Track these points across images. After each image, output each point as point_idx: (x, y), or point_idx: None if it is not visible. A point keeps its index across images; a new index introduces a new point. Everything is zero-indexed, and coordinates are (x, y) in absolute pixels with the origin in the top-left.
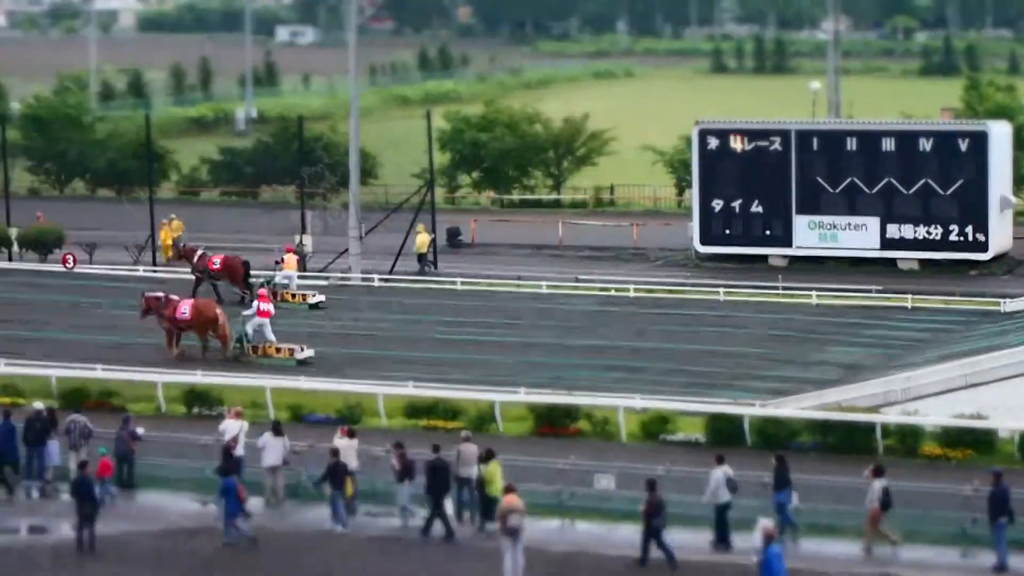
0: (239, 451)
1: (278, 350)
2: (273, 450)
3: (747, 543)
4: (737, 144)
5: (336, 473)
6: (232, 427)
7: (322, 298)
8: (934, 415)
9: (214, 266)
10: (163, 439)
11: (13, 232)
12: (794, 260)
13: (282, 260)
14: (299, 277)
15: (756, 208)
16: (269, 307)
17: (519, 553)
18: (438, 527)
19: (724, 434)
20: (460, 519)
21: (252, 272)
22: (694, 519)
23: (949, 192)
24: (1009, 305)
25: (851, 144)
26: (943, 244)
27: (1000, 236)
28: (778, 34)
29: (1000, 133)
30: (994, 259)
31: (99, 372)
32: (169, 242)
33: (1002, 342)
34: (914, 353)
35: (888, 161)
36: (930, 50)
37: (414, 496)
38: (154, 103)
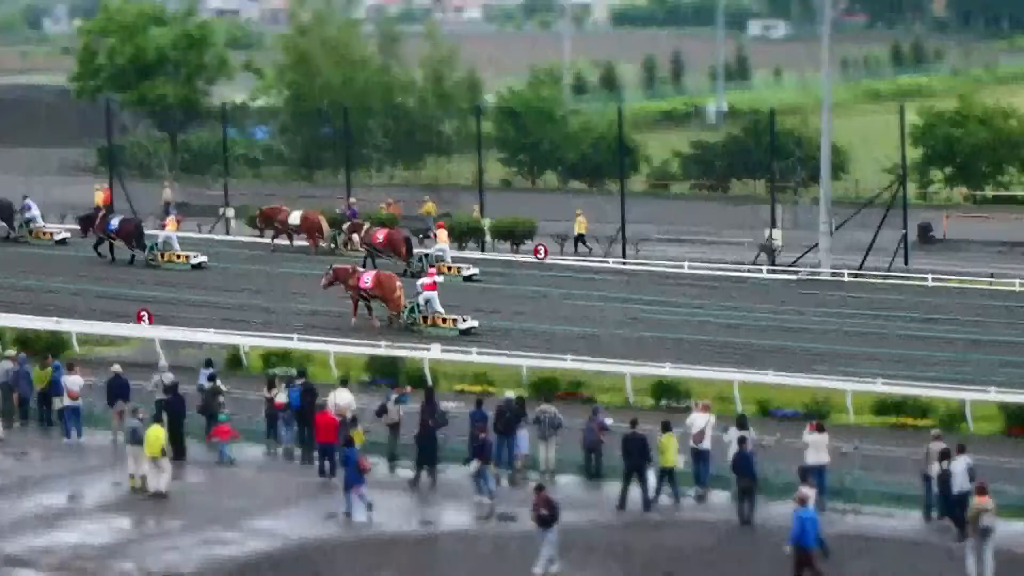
0: (705, 445)
1: (444, 320)
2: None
3: None
4: None
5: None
6: (699, 420)
7: (476, 270)
8: None
9: (378, 240)
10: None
11: (486, 223)
12: None
13: (434, 234)
14: (768, 271)
15: None
16: (433, 281)
17: (988, 555)
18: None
19: None
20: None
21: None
22: None
23: None
24: None
25: None
26: None
27: None
28: None
29: None
30: None
31: (569, 363)
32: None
33: None
34: None
35: None
36: None
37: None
38: (626, 96)
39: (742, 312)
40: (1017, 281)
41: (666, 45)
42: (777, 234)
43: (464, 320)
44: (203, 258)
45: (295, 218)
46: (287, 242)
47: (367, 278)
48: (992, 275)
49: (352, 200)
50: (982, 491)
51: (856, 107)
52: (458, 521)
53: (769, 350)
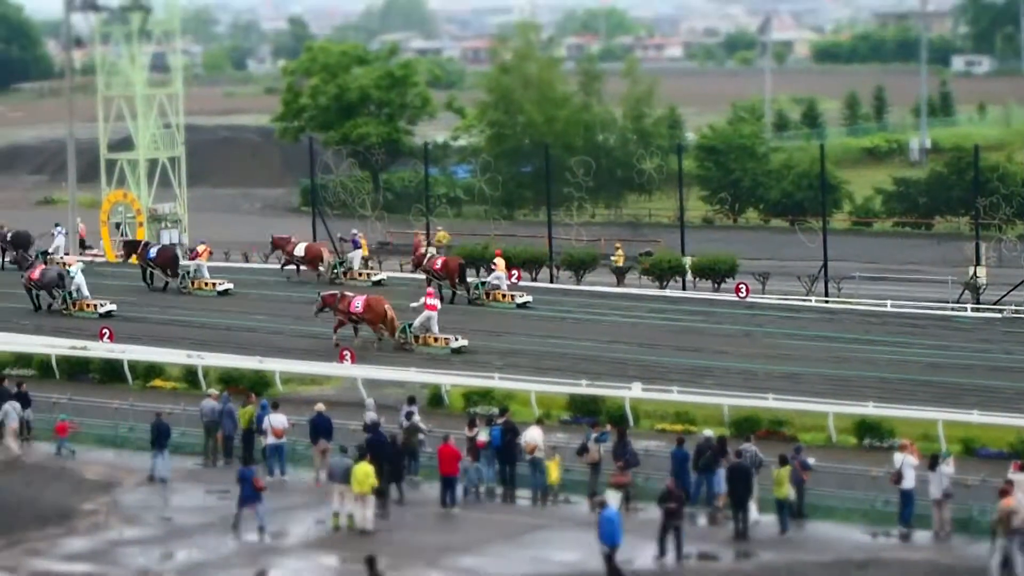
0: (905, 484)
1: (436, 340)
2: (935, 483)
3: None
4: None
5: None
6: (897, 460)
7: (529, 298)
8: None
9: (436, 267)
10: (833, 469)
11: (687, 261)
12: None
13: (494, 264)
14: (972, 309)
15: None
16: (436, 302)
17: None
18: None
19: None
20: None
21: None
22: None
23: None
24: None
25: None
26: None
27: None
28: None
29: None
30: None
31: (770, 401)
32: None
33: None
34: None
35: None
36: None
37: None
38: (828, 133)
39: (946, 351)
40: None
41: (868, 81)
42: (981, 271)
43: (456, 340)
44: (229, 285)
45: (300, 249)
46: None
47: (358, 303)
48: None
49: (355, 231)
50: (1005, 493)
51: None
52: (648, 559)
53: (973, 389)
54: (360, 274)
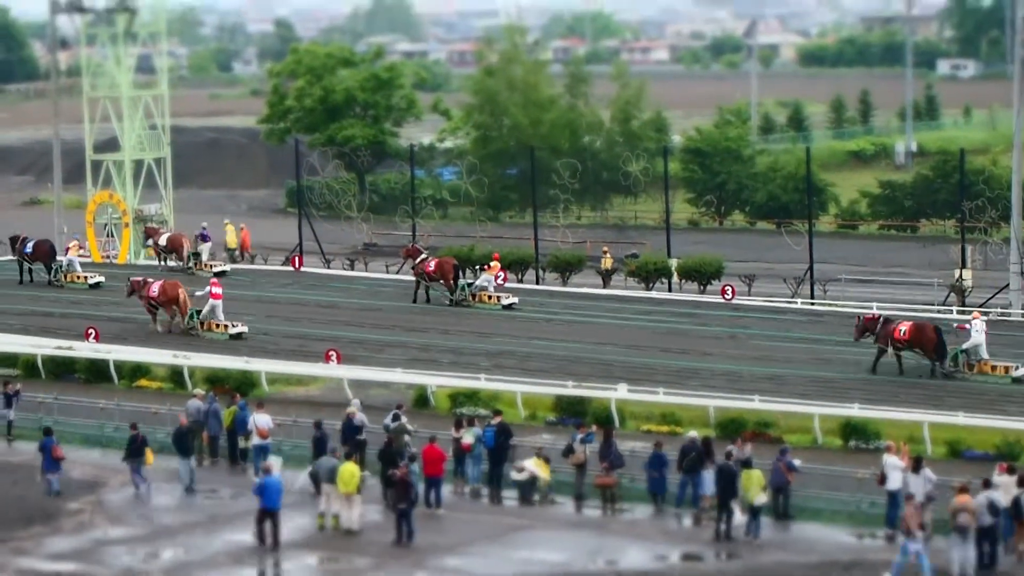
0: (892, 485)
1: (218, 326)
2: (916, 486)
3: None
4: None
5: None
6: (887, 462)
7: (515, 300)
8: None
9: (430, 269)
10: (819, 471)
11: (673, 263)
12: None
13: (488, 266)
14: (958, 311)
15: None
16: (220, 291)
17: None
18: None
19: None
20: None
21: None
22: None
23: None
24: None
25: None
26: None
27: None
28: None
29: None
30: None
31: (756, 403)
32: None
33: None
34: None
35: None
36: None
37: None
38: (813, 136)
39: None
40: None
41: (854, 84)
42: (967, 275)
43: (235, 326)
44: (100, 278)
45: (164, 239)
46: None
47: (155, 288)
48: None
49: (204, 225)
50: (964, 490)
51: None
52: (644, 561)
53: (959, 391)
54: (207, 265)
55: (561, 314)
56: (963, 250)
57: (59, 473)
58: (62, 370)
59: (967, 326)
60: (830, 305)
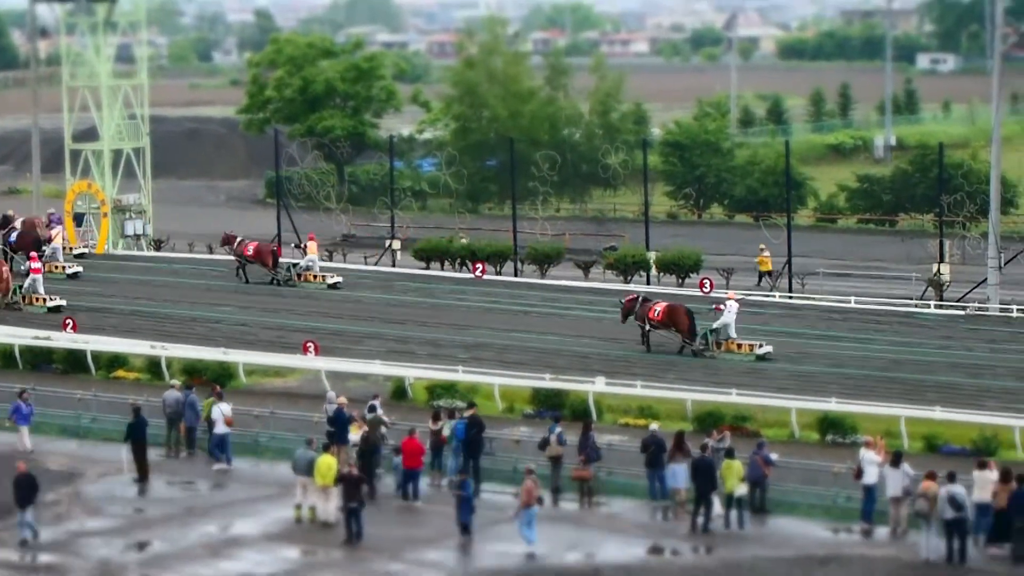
0: (868, 480)
1: (38, 299)
2: (894, 480)
3: None
4: None
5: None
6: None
7: (340, 279)
8: None
9: (248, 252)
10: (796, 465)
11: (651, 256)
12: None
13: (305, 246)
14: (936, 306)
15: None
16: (39, 266)
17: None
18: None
19: None
20: None
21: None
22: None
23: None
24: None
25: None
26: None
27: None
28: None
29: None
30: None
31: (734, 396)
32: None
33: None
34: None
35: None
36: None
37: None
38: (793, 130)
39: (909, 347)
40: None
41: (834, 78)
42: (945, 269)
43: (54, 299)
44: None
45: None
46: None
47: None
48: None
49: (51, 211)
50: (929, 477)
51: None
52: (621, 554)
53: (936, 386)
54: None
55: (539, 306)
56: (941, 244)
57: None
58: (40, 360)
59: (722, 307)
60: (808, 299)
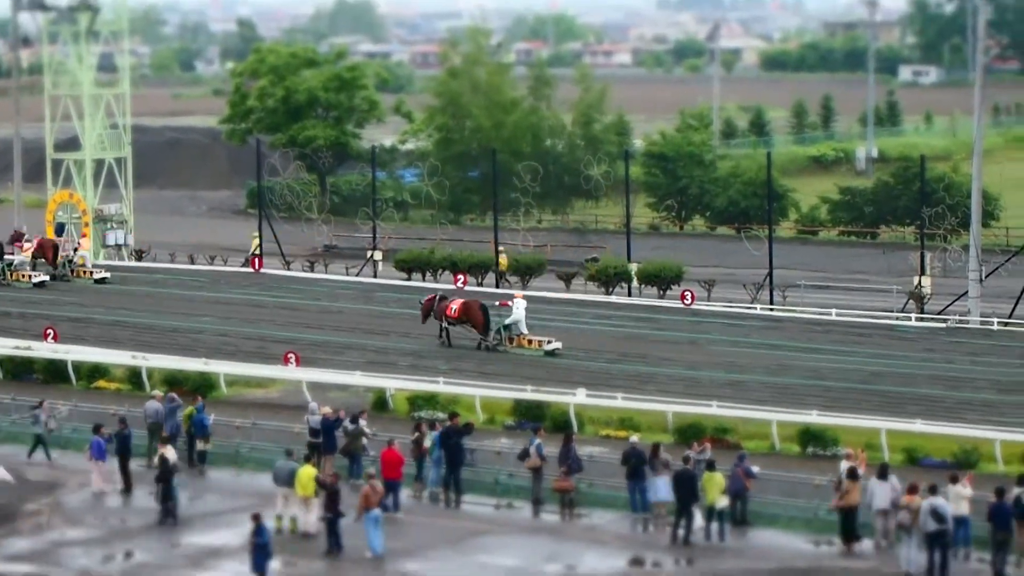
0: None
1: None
2: (881, 493)
3: None
4: None
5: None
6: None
7: (107, 275)
8: None
9: (32, 249)
10: (776, 478)
11: (633, 267)
12: None
13: (80, 243)
14: (917, 318)
15: None
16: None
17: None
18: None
19: None
20: None
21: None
22: None
23: None
24: None
25: None
26: None
27: None
28: None
29: None
30: None
31: (714, 408)
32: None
33: None
34: None
35: None
36: None
37: None
38: (775, 141)
39: (890, 360)
40: None
41: (816, 90)
42: (926, 281)
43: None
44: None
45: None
46: None
47: None
48: None
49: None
50: (911, 491)
51: (1007, 153)
52: (602, 566)
53: (917, 398)
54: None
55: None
56: (922, 257)
57: None
58: (20, 370)
59: (509, 303)
60: (789, 311)
